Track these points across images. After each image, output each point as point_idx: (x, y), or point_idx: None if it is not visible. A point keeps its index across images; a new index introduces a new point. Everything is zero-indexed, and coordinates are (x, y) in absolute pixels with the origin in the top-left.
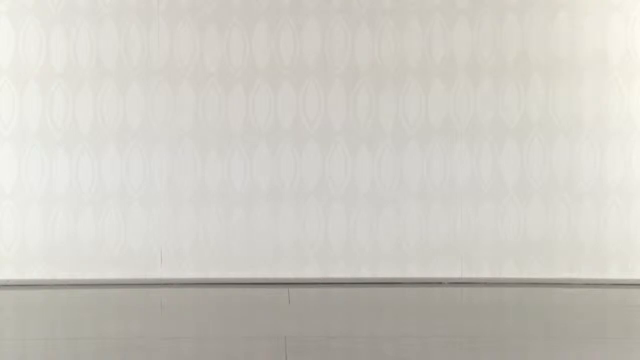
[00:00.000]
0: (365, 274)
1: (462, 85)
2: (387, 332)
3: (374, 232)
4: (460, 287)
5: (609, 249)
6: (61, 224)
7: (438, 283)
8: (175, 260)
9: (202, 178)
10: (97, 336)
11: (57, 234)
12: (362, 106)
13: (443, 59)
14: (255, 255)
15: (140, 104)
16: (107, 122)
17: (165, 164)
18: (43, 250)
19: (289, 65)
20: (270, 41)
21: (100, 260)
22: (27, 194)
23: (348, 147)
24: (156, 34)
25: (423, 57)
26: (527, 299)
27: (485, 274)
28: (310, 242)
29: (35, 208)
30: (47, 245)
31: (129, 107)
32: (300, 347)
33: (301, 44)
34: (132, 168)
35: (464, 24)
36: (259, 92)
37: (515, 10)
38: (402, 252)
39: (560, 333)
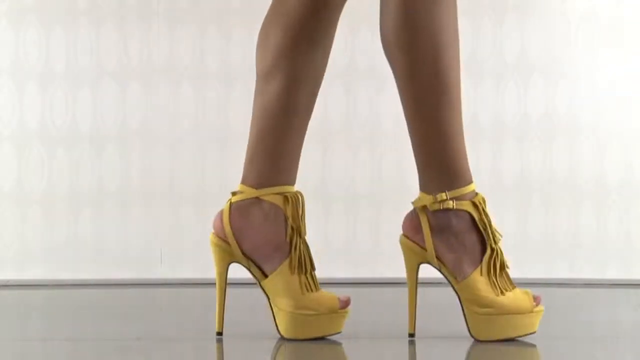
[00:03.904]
0: (365, 274)
1: (463, 85)
2: (387, 332)
3: (374, 232)
4: None
5: (609, 249)
6: (61, 223)
7: (438, 283)
8: (176, 260)
9: (203, 178)
10: (97, 337)
11: (57, 234)
12: (362, 106)
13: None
14: None
15: (140, 104)
16: (107, 122)
17: (166, 164)
18: (43, 250)
19: None
20: None
21: (100, 260)
22: (27, 194)
23: (348, 147)
24: (156, 34)
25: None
26: None
27: None
28: (310, 242)
29: (35, 208)
30: (47, 245)
31: (129, 106)
32: (299, 348)
33: None
34: (132, 168)
35: (464, 24)
36: None
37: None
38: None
39: (561, 333)
